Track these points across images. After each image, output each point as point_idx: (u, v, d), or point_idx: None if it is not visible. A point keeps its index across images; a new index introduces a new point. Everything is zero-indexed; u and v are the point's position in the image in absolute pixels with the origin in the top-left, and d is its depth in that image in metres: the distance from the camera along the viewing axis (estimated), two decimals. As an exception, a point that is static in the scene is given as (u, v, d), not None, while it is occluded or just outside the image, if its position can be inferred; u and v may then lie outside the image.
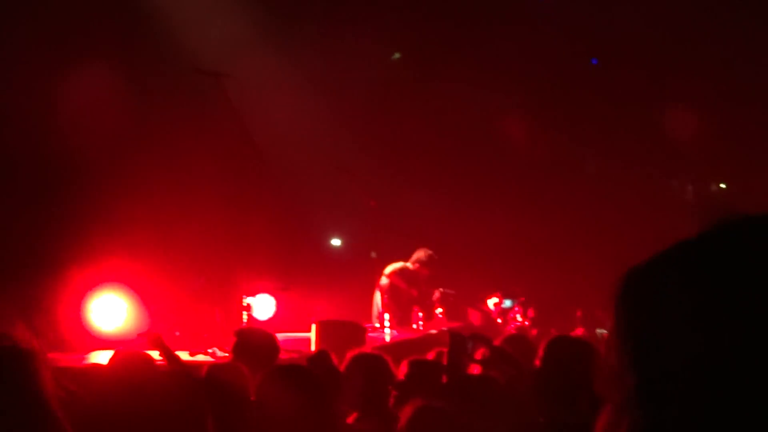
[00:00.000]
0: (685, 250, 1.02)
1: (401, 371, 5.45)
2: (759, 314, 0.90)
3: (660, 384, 0.95)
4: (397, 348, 9.75)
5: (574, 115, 17.36)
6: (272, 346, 6.91)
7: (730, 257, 0.95)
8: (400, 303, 13.01)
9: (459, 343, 6.18)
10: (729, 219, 1.02)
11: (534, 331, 12.86)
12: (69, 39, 11.68)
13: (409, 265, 13.45)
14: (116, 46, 12.13)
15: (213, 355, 9.20)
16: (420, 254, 13.47)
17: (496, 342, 6.70)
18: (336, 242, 15.96)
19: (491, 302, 14.69)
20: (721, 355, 0.91)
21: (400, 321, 12.72)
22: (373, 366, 5.51)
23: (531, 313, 14.39)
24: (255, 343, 6.85)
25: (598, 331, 12.08)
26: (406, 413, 4.34)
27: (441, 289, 13.73)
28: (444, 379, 5.74)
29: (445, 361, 6.15)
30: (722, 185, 19.27)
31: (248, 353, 6.53)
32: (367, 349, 6.90)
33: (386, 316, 12.39)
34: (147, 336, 7.15)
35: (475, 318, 14.24)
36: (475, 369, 6.24)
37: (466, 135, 16.60)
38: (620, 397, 1.01)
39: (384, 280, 13.19)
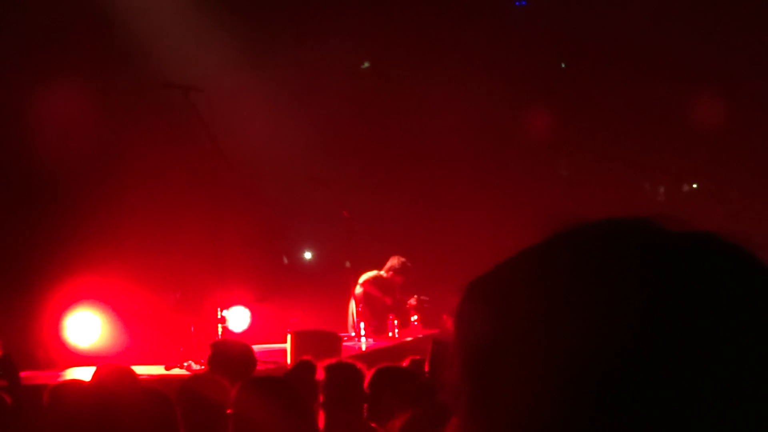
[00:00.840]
0: (525, 259, 1.02)
1: (366, 380, 5.46)
2: (595, 324, 0.89)
3: (495, 396, 0.93)
4: (372, 357, 9.78)
5: (547, 118, 17.41)
6: (248, 357, 6.90)
7: (572, 264, 0.97)
8: (375, 311, 13.04)
9: (442, 350, 6.19)
10: (570, 225, 1.02)
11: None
12: (38, 53, 11.68)
13: (383, 273, 13.48)
14: (86, 60, 12.12)
15: (188, 368, 9.21)
16: (393, 262, 13.50)
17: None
18: (310, 253, 15.98)
19: (466, 308, 14.68)
20: (560, 367, 0.90)
21: (376, 329, 12.75)
22: (345, 375, 5.52)
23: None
24: (231, 355, 6.85)
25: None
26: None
27: (416, 297, 13.75)
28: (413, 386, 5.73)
29: (425, 368, 6.17)
30: (694, 186, 19.33)
31: (224, 365, 6.51)
32: (341, 358, 6.92)
33: (362, 325, 12.41)
34: None
35: (451, 324, 14.25)
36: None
37: (437, 142, 16.64)
38: (460, 411, 0.97)
39: (358, 289, 13.22)
